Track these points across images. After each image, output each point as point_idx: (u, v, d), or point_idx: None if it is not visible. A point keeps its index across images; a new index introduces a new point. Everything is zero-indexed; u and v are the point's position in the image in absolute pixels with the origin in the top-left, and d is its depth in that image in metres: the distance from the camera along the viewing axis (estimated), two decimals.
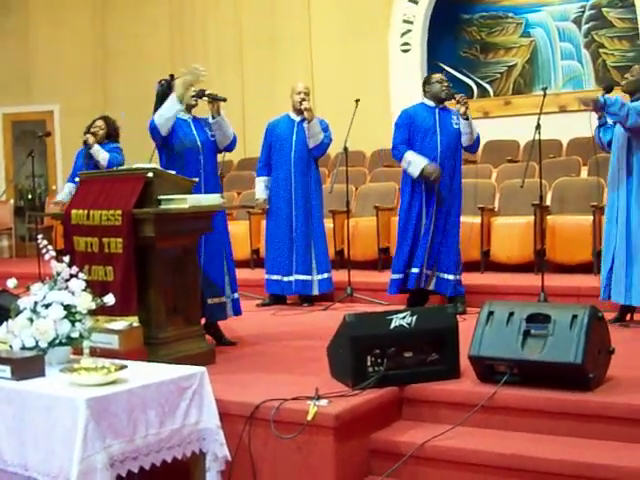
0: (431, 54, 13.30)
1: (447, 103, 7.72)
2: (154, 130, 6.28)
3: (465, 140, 7.59)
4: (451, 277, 7.53)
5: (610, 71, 12.21)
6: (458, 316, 5.52)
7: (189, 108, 6.52)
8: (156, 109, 6.31)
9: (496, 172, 10.68)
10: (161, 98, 6.32)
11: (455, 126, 7.58)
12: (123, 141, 9.06)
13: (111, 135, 8.85)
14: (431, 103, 7.68)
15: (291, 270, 8.31)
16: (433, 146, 7.52)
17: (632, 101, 6.66)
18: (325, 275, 8.38)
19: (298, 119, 8.32)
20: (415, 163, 7.45)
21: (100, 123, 8.84)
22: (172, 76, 6.32)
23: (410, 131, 7.61)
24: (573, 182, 9.40)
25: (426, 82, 7.78)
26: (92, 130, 8.73)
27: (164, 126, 6.23)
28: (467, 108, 7.49)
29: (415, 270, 7.51)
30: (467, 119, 7.48)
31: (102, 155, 8.54)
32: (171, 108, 6.18)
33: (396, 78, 13.14)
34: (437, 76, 7.82)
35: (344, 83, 12.91)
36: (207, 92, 6.51)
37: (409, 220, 7.59)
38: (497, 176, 10.53)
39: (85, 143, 8.63)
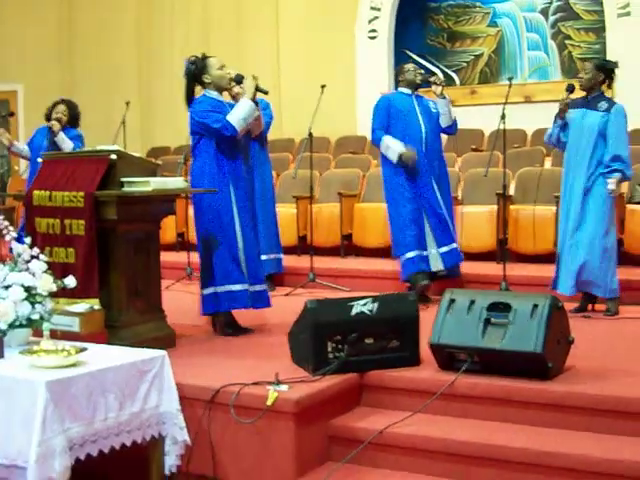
0: (398, 42, 13.30)
1: (420, 92, 7.77)
2: (230, 131, 6.04)
3: (443, 120, 7.67)
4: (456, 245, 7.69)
5: (576, 62, 12.27)
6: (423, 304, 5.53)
7: (222, 90, 6.30)
8: (188, 89, 6.18)
9: (460, 161, 10.72)
10: (194, 77, 6.18)
11: (434, 110, 7.68)
12: (89, 123, 9.00)
13: (74, 120, 8.77)
14: (407, 90, 7.72)
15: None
16: (417, 128, 7.56)
17: (588, 98, 6.75)
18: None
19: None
20: (393, 148, 7.47)
21: (62, 108, 8.71)
22: (204, 55, 6.19)
23: (389, 116, 7.61)
24: (536, 172, 9.42)
25: (399, 72, 7.84)
26: (56, 116, 8.63)
27: (244, 129, 6.13)
28: (443, 87, 7.63)
29: (433, 251, 7.53)
30: (444, 97, 7.60)
31: (67, 144, 8.46)
32: (250, 112, 6.08)
33: (363, 65, 13.15)
34: (409, 65, 7.88)
35: (310, 69, 12.89)
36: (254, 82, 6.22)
37: (409, 200, 7.54)
38: (461, 165, 10.57)
39: (50, 129, 8.54)
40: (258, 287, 6.25)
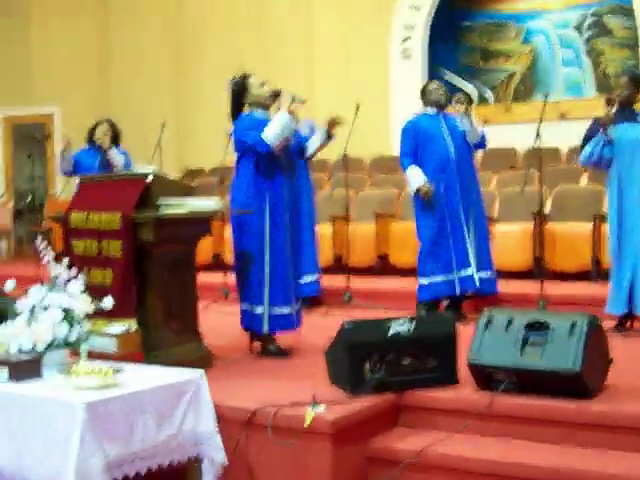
0: (432, 61, 13.29)
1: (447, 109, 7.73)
2: (263, 147, 6.00)
3: (470, 138, 7.59)
4: (492, 275, 7.64)
5: (610, 79, 12.20)
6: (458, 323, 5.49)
7: (266, 107, 6.27)
8: (233, 108, 6.22)
9: (496, 179, 10.68)
10: (237, 97, 6.22)
11: (461, 128, 7.59)
12: (124, 145, 9.06)
13: (117, 139, 8.87)
14: (433, 111, 7.67)
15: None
16: (445, 149, 7.52)
17: (626, 112, 6.69)
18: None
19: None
20: (412, 180, 7.49)
21: (106, 127, 8.82)
22: (245, 75, 6.21)
23: (417, 140, 7.58)
24: (573, 190, 9.40)
25: (423, 92, 7.77)
26: (101, 135, 8.73)
27: (280, 144, 6.07)
28: (466, 105, 7.54)
29: (464, 273, 7.46)
30: (469, 116, 7.52)
31: (119, 159, 8.59)
32: (285, 125, 6.00)
33: (396, 84, 13.13)
34: (433, 83, 7.84)
35: (344, 89, 12.90)
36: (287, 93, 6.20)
37: (441, 219, 7.51)
38: (497, 183, 10.53)
39: (100, 147, 8.64)
40: (285, 309, 6.19)
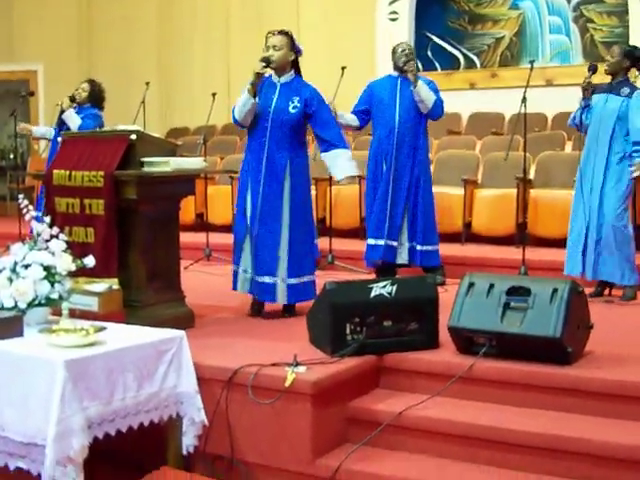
0: (418, 24, 13.23)
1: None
2: (233, 120, 6.24)
3: (421, 108, 7.51)
4: (431, 248, 7.54)
5: (598, 46, 12.18)
6: (438, 287, 5.51)
7: (279, 72, 6.22)
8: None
9: (480, 144, 10.67)
10: None
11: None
12: (108, 104, 9.00)
13: (95, 99, 8.79)
14: (395, 73, 7.65)
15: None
16: (390, 116, 7.51)
17: (613, 83, 6.69)
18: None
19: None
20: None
21: (84, 85, 8.78)
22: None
23: (370, 101, 7.63)
24: (557, 156, 9.39)
25: (393, 52, 7.71)
26: (74, 92, 8.66)
27: (244, 120, 6.12)
28: (414, 75, 7.41)
29: (390, 242, 7.49)
30: (414, 87, 7.40)
31: (73, 120, 8.48)
32: (243, 100, 6.06)
33: (382, 46, 13.03)
34: (401, 46, 7.73)
35: (330, 50, 12.82)
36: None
37: (374, 188, 7.59)
38: (481, 148, 10.52)
39: (60, 106, 8.58)
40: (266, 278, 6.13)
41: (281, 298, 6.07)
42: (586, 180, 6.77)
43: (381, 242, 7.48)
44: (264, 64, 6.02)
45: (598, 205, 6.68)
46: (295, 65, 6.29)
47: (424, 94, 7.44)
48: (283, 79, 6.21)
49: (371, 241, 7.56)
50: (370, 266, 7.78)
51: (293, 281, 6.06)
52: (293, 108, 6.10)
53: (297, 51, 6.28)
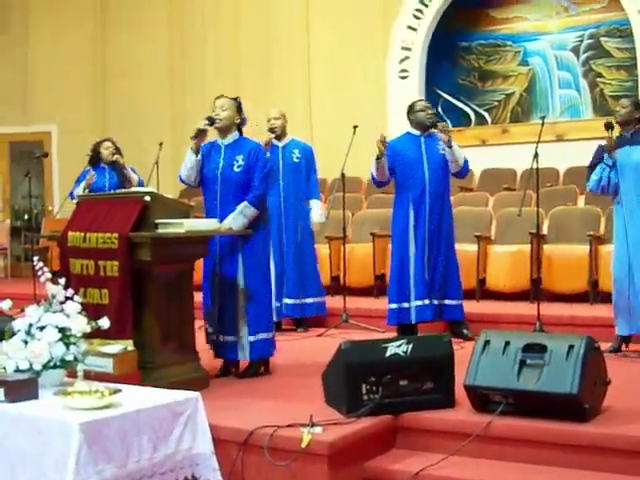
0: (429, 81, 13.32)
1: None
2: (179, 179, 6.38)
3: (452, 168, 7.53)
4: (456, 302, 7.58)
5: (607, 100, 12.25)
6: (458, 344, 5.48)
7: (223, 133, 6.25)
8: None
9: (493, 200, 10.69)
10: None
11: (442, 152, 7.49)
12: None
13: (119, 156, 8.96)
14: (416, 132, 7.62)
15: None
16: (420, 175, 7.47)
17: (628, 135, 6.69)
18: None
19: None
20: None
21: (109, 144, 8.92)
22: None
23: (394, 162, 7.50)
24: (570, 211, 9.40)
25: (410, 111, 7.68)
26: (110, 150, 8.80)
27: (188, 177, 6.25)
28: (449, 136, 7.43)
29: (419, 303, 7.47)
30: (450, 147, 7.40)
31: (134, 176, 8.67)
32: (187, 159, 6.20)
33: (394, 104, 13.12)
34: (420, 103, 7.75)
35: (341, 109, 12.92)
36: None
37: (403, 248, 7.57)
38: (494, 204, 10.53)
39: (114, 163, 8.72)
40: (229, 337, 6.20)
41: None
42: (633, 238, 6.66)
43: (418, 303, 7.46)
44: (208, 122, 6.10)
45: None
46: (239, 130, 6.30)
47: (458, 153, 7.45)
48: (227, 140, 6.23)
49: (405, 304, 7.50)
50: (392, 324, 7.69)
51: (252, 339, 6.12)
52: (237, 167, 6.13)
53: (242, 118, 6.29)
